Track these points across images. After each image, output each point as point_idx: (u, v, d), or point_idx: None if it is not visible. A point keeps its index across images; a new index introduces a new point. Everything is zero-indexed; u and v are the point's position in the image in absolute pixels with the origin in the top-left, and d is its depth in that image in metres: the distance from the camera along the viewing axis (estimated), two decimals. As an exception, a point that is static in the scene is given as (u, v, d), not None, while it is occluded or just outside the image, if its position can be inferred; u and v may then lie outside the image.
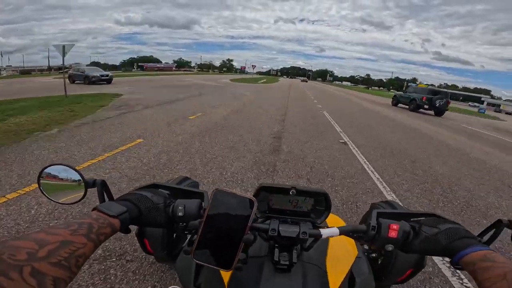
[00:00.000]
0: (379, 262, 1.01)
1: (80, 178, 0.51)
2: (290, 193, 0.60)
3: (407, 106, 15.93)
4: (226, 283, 0.57)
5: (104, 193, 0.51)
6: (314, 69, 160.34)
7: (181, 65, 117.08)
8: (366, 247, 0.90)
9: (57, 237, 0.31)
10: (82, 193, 0.52)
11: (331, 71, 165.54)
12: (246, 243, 0.44)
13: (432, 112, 14.84)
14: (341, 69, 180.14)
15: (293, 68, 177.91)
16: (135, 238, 1.07)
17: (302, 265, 0.58)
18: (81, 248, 0.32)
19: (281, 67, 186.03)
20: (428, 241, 0.49)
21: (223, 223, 0.45)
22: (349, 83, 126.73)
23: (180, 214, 0.49)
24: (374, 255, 1.00)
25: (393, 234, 0.51)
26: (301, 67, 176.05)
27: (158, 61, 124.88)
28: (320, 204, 0.61)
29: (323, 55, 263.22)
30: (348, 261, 0.68)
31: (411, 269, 1.02)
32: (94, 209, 0.42)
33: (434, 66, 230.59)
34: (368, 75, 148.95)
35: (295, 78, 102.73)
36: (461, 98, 61.99)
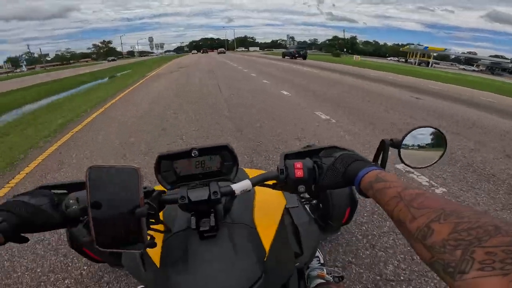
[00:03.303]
0: (321, 208, 1.17)
1: None
2: (192, 154, 0.59)
3: (289, 57, 30.79)
4: (158, 265, 0.58)
5: None
6: (230, 38, 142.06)
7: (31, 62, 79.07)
8: (307, 195, 0.95)
9: None
10: None
11: (252, 37, 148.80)
12: (141, 216, 0.43)
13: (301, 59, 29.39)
14: (253, 36, 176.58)
15: (205, 39, 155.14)
16: None
17: (228, 227, 0.59)
18: None
19: (191, 40, 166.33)
20: (329, 172, 0.52)
21: (113, 202, 0.43)
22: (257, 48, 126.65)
23: (74, 207, 0.48)
24: (314, 202, 1.14)
25: (299, 173, 0.53)
26: (215, 38, 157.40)
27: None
28: (227, 159, 0.61)
29: (232, 25, 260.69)
30: (277, 213, 0.70)
31: (348, 207, 1.17)
32: None
33: (328, 26, 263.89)
34: (292, 37, 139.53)
35: (208, 52, 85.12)
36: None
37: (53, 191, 0.52)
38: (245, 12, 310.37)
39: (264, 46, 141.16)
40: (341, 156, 0.52)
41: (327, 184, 0.52)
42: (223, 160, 0.61)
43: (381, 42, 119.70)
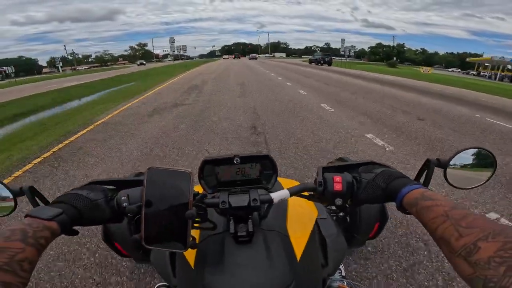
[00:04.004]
0: (348, 221, 1.11)
1: (5, 189, 0.52)
2: (235, 161, 0.61)
3: (314, 64, 33.46)
4: (193, 266, 0.60)
5: (37, 199, 0.52)
6: (262, 43, 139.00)
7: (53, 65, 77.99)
8: (333, 207, 0.94)
9: None
10: (12, 204, 0.53)
11: (285, 43, 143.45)
12: (190, 218, 0.45)
13: (327, 65, 31.71)
14: (286, 42, 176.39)
15: (237, 44, 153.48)
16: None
17: (263, 234, 0.61)
18: (19, 253, 0.34)
19: (223, 45, 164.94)
20: (369, 187, 0.52)
21: (164, 202, 0.46)
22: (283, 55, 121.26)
23: (125, 204, 0.50)
24: (341, 214, 1.09)
25: (338, 187, 0.54)
26: (247, 43, 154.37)
27: (30, 62, 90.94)
28: (267, 167, 0.63)
29: (264, 30, 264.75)
30: (309, 223, 0.72)
31: (377, 222, 1.13)
32: (26, 215, 0.43)
33: (364, 33, 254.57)
34: (328, 44, 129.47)
35: (240, 57, 79.51)
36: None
37: (100, 186, 0.53)
38: (277, 18, 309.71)
39: (294, 53, 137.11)
40: (383, 172, 0.52)
41: (365, 198, 0.53)
42: (263, 169, 0.62)
43: (430, 51, 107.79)
